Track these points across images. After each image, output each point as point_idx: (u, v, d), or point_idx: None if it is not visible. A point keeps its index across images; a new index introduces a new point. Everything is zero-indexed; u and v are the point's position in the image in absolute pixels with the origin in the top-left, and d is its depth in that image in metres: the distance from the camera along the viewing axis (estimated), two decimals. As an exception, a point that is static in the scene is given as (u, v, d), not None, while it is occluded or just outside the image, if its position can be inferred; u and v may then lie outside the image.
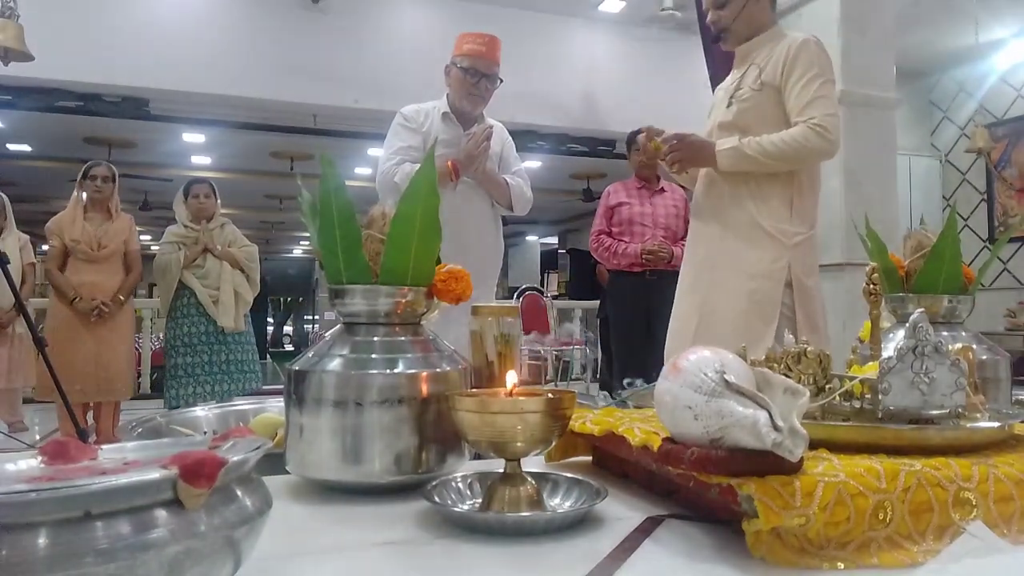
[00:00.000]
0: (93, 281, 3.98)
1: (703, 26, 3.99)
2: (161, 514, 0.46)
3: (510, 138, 2.82)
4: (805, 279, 2.05)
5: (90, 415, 4.18)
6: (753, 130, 2.02)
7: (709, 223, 2.13)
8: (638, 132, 4.06)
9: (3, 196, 4.72)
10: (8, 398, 4.95)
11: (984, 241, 7.07)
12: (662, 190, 4.05)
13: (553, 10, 6.63)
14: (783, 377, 0.70)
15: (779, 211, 2.04)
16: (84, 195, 4.13)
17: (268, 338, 17.40)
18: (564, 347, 7.95)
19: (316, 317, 19.06)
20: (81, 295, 3.93)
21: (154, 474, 0.46)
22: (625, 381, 1.35)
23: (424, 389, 0.87)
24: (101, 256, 4.02)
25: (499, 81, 2.63)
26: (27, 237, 4.82)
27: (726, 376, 0.67)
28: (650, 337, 3.88)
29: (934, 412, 0.81)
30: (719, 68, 4.01)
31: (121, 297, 4.03)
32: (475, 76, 2.56)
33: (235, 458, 0.50)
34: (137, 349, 7.63)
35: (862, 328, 1.16)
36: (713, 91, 2.46)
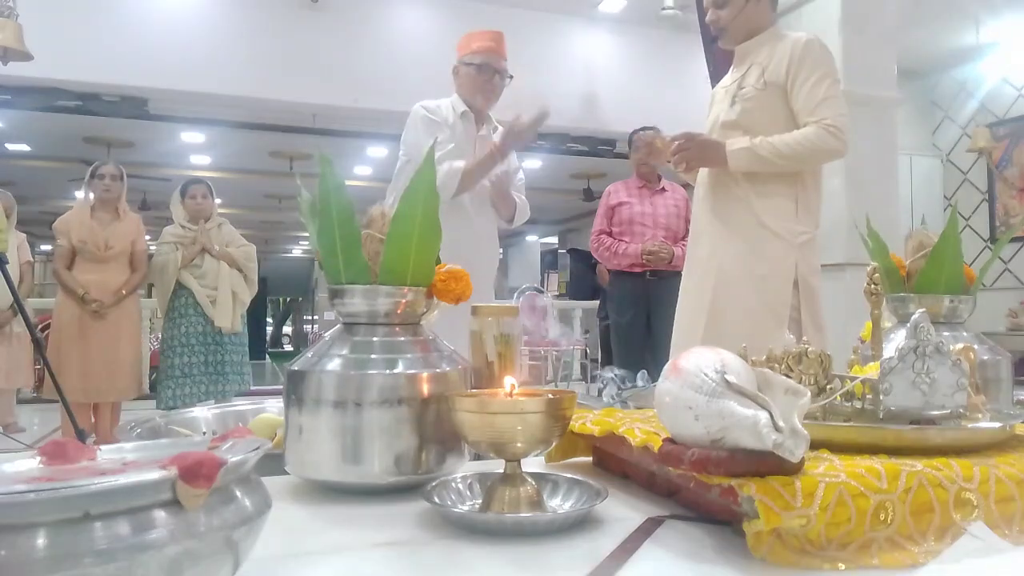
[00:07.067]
0: (99, 280, 3.98)
1: (703, 25, 3.99)
2: (160, 515, 0.46)
3: None
4: (810, 278, 2.03)
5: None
6: (757, 129, 2.00)
7: (713, 222, 2.11)
8: (640, 131, 4.06)
9: (11, 197, 4.72)
10: (3, 399, 4.94)
11: (985, 241, 7.06)
12: (663, 190, 4.05)
13: (553, 9, 6.63)
14: (784, 377, 0.70)
15: (784, 210, 2.02)
16: (91, 195, 4.13)
17: (267, 338, 17.40)
18: (563, 347, 7.94)
19: (315, 317, 19.07)
20: (89, 292, 3.94)
21: (153, 474, 0.46)
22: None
23: (424, 389, 0.86)
24: (108, 256, 4.02)
25: (510, 77, 2.65)
26: (23, 235, 4.82)
27: (727, 376, 0.66)
28: (650, 337, 3.89)
29: (935, 412, 0.81)
30: (719, 67, 4.01)
31: (123, 291, 4.03)
32: (488, 72, 2.59)
33: (234, 459, 0.50)
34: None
35: (863, 328, 1.16)
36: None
